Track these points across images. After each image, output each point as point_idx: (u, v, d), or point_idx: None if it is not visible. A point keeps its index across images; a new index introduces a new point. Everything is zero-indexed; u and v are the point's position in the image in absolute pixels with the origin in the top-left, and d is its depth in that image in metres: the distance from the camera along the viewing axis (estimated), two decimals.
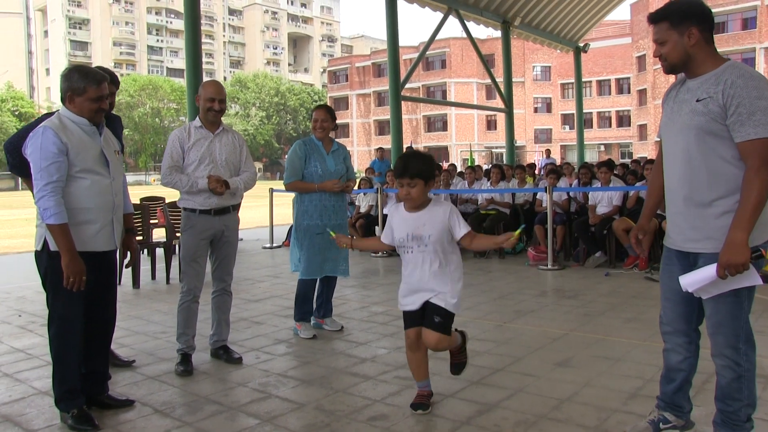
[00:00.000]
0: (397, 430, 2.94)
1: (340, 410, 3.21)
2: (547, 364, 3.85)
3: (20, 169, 3.76)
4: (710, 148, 2.34)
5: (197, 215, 3.92)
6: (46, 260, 3.01)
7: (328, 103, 62.00)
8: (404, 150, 14.88)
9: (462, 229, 3.01)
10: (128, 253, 3.52)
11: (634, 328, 4.67)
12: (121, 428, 3.06)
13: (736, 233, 2.24)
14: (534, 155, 42.97)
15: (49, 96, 71.69)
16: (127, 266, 3.70)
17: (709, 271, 2.31)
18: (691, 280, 2.38)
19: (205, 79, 6.04)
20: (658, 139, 2.67)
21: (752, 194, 2.23)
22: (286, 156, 4.77)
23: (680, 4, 2.42)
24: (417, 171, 2.97)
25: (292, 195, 4.80)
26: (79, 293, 2.99)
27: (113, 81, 3.72)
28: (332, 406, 3.27)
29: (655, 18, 2.45)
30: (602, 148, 52.82)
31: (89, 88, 3.06)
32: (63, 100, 3.13)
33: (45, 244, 3.00)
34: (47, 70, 76.70)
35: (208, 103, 3.95)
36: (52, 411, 3.22)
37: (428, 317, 3.02)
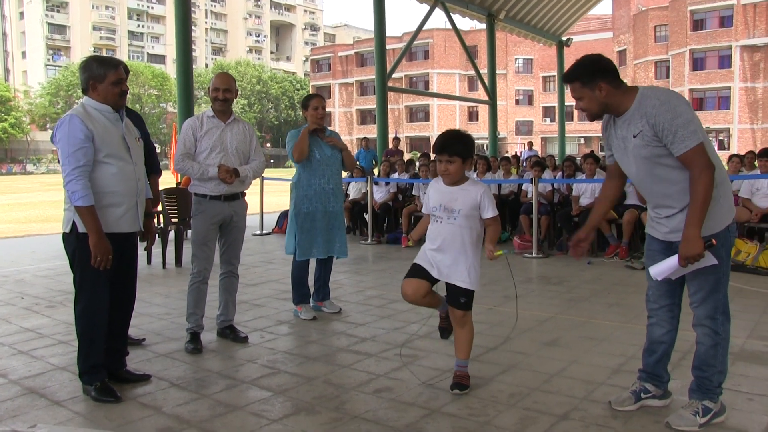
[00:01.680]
0: (402, 400, 3.19)
1: (347, 384, 3.44)
2: (536, 344, 4.12)
3: None
4: (666, 166, 2.71)
5: (208, 200, 4.12)
6: (74, 242, 3.19)
7: (311, 92, 61.98)
8: (391, 140, 15.10)
9: (489, 211, 3.24)
10: (147, 235, 3.70)
11: (616, 312, 4.97)
12: (141, 400, 3.26)
13: (690, 230, 2.62)
14: (515, 147, 43.47)
15: (25, 79, 70.18)
16: (146, 249, 3.87)
17: (672, 261, 2.71)
18: (658, 271, 2.78)
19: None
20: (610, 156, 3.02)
21: (698, 196, 2.60)
22: (286, 143, 4.95)
23: (586, 66, 2.77)
24: (457, 150, 3.20)
25: (282, 183, 4.95)
26: (105, 273, 3.18)
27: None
28: (339, 380, 3.51)
29: (567, 79, 2.81)
30: (582, 140, 53.47)
31: (108, 73, 3.25)
32: (85, 90, 3.31)
33: (73, 226, 3.17)
34: (23, 53, 74.94)
35: (213, 93, 4.15)
36: (73, 384, 3.42)
37: (454, 298, 3.28)
